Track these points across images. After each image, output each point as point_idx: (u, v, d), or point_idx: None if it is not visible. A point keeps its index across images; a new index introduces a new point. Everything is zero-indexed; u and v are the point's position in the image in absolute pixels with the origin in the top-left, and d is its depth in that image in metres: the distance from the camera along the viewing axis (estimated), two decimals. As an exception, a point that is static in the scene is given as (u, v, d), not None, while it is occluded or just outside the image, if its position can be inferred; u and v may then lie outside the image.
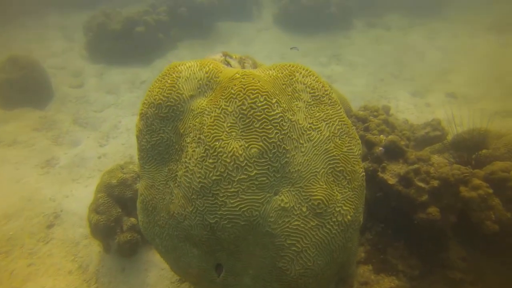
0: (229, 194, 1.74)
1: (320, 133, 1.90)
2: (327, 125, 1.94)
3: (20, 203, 4.12)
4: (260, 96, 1.82)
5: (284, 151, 1.80)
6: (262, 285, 1.87)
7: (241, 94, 1.83)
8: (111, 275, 3.23)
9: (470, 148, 3.31)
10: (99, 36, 8.61)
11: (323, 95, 2.03)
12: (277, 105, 1.83)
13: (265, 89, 1.85)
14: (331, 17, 10.35)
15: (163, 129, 2.06)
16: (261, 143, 1.76)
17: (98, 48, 8.72)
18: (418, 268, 2.87)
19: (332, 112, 2.00)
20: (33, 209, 4.01)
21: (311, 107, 1.96)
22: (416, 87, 7.07)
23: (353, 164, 1.93)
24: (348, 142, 1.97)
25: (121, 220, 3.13)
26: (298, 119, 1.88)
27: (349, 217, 1.85)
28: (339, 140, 1.94)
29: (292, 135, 1.84)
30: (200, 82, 2.05)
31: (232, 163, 1.74)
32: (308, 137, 1.88)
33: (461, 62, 8.34)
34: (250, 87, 1.84)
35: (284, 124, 1.82)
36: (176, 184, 1.97)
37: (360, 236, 3.05)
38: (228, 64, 2.29)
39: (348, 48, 9.27)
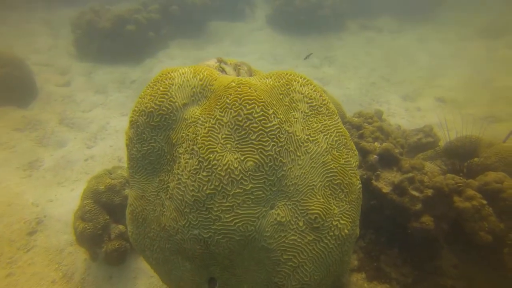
0: (223, 209, 1.68)
1: (318, 145, 1.86)
2: (325, 136, 1.90)
3: (-2, 208, 3.94)
4: (256, 106, 1.76)
5: (280, 164, 1.74)
6: (256, 300, 1.82)
7: (237, 104, 1.77)
8: (98, 284, 3.12)
9: (462, 155, 3.34)
10: (88, 33, 8.39)
11: (321, 105, 1.99)
12: (274, 116, 1.77)
13: (262, 99, 1.79)
14: (324, 18, 10.37)
15: (154, 138, 1.98)
16: (257, 156, 1.70)
17: (86, 46, 8.50)
18: (411, 275, 2.88)
19: (330, 122, 1.96)
20: (13, 215, 3.81)
21: (308, 118, 1.92)
22: (407, 91, 7.13)
23: (350, 177, 1.90)
24: (346, 154, 1.93)
25: (109, 228, 3.02)
26: (295, 131, 1.83)
27: (346, 231, 1.81)
28: (337, 152, 1.90)
29: (289, 148, 1.79)
30: (194, 90, 1.98)
31: (227, 176, 1.68)
32: (306, 149, 1.83)
33: (450, 67, 8.46)
34: (246, 97, 1.78)
35: (281, 136, 1.76)
36: (167, 196, 1.90)
37: (354, 244, 3.03)
38: (223, 70, 2.22)
39: (340, 50, 9.30)
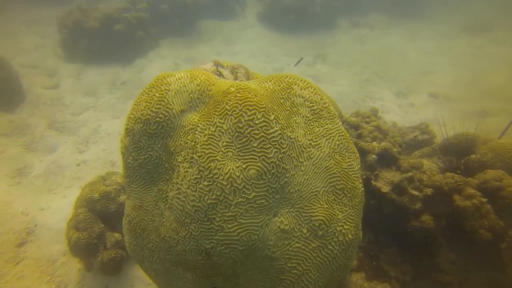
0: (226, 219, 1.63)
1: (320, 150, 1.83)
2: (327, 141, 1.87)
3: (-16, 220, 3.79)
4: (257, 112, 1.71)
5: (283, 171, 1.71)
6: (261, 310, 1.78)
7: (237, 111, 1.72)
8: (94, 294, 3.06)
9: (458, 152, 3.36)
10: (76, 33, 8.18)
11: (322, 108, 1.95)
12: (275, 122, 1.73)
13: (263, 104, 1.75)
14: (315, 16, 10.34)
15: (151, 146, 1.92)
16: (259, 164, 1.66)
17: (74, 46, 8.29)
18: (410, 273, 2.89)
19: (332, 126, 1.93)
20: (1, 225, 3.67)
21: (310, 122, 1.88)
22: (399, 87, 7.17)
23: (353, 181, 1.87)
24: (348, 158, 1.91)
25: (105, 236, 2.95)
26: (297, 136, 1.79)
27: (350, 236, 1.79)
28: (339, 156, 1.87)
29: (291, 154, 1.75)
30: (192, 95, 1.92)
31: (229, 185, 1.63)
32: (308, 154, 1.79)
33: (440, 63, 8.55)
34: (246, 103, 1.73)
35: (283, 142, 1.73)
36: (167, 206, 1.84)
37: (354, 245, 3.03)
38: (220, 74, 2.17)
39: (333, 47, 9.29)
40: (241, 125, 1.69)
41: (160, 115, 1.89)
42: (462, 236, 2.68)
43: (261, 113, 1.72)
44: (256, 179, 1.65)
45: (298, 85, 1.97)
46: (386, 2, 12.06)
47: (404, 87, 7.17)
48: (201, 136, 1.75)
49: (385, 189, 2.84)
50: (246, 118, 1.70)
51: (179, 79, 1.99)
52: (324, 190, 1.78)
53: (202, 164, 1.68)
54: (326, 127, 1.92)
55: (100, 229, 2.86)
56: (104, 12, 8.17)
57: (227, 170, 1.64)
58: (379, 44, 9.56)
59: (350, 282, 2.93)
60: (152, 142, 1.92)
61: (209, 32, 10.17)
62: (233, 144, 1.69)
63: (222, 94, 1.83)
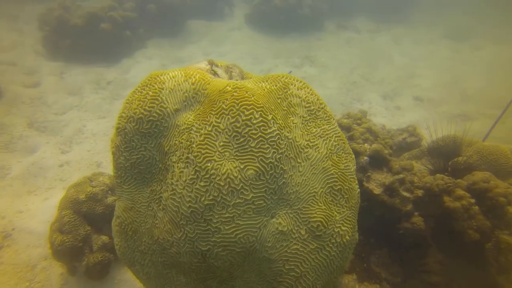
0: (223, 220, 1.59)
1: (318, 150, 1.82)
2: (324, 141, 1.86)
3: (-43, 223, 3.58)
4: (255, 112, 1.68)
5: (281, 171, 1.68)
6: (258, 313, 1.75)
7: (234, 110, 1.69)
8: (78, 300, 2.93)
9: (445, 154, 3.44)
10: (58, 31, 7.91)
11: (319, 109, 1.95)
12: (273, 122, 1.71)
13: (260, 104, 1.72)
14: (303, 18, 10.43)
15: (144, 146, 1.86)
16: (257, 164, 1.63)
17: (56, 44, 8.01)
18: (400, 275, 2.92)
19: (328, 127, 1.92)
20: (-28, 230, 3.50)
21: (307, 123, 1.87)
22: (386, 90, 7.32)
23: (350, 182, 1.87)
24: (345, 159, 1.91)
25: (91, 239, 2.83)
26: (295, 137, 1.78)
27: (347, 237, 1.78)
28: (336, 157, 1.87)
29: (289, 154, 1.73)
30: (186, 94, 1.87)
31: (226, 186, 1.59)
32: (306, 155, 1.78)
33: (424, 67, 8.80)
34: (243, 102, 1.70)
35: (281, 142, 1.70)
36: (160, 207, 1.78)
37: (346, 246, 3.04)
38: (215, 73, 2.13)
39: (321, 49, 9.39)
40: (238, 125, 1.66)
41: (154, 114, 1.83)
42: (450, 237, 2.73)
43: (259, 113, 1.69)
44: (254, 180, 1.62)
45: (295, 85, 1.96)
46: (372, 7, 12.34)
47: (390, 90, 7.32)
48: (197, 135, 1.71)
49: (377, 190, 2.87)
50: (244, 118, 1.67)
51: (173, 77, 1.94)
52: (322, 191, 1.76)
53: (199, 164, 1.63)
54: (323, 127, 1.92)
55: (86, 232, 2.74)
56: (89, 10, 7.95)
57: (224, 170, 1.60)
58: (366, 47, 9.75)
59: (341, 284, 2.93)
60: (145, 141, 1.85)
61: (197, 32, 10.08)
62: (231, 144, 1.65)
63: (218, 93, 1.79)
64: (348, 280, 2.96)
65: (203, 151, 1.65)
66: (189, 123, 1.78)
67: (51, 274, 3.10)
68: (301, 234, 1.69)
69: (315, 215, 1.71)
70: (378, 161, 3.01)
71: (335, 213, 1.77)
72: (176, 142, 1.78)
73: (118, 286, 3.02)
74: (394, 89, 7.38)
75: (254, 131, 1.65)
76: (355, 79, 7.67)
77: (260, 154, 1.64)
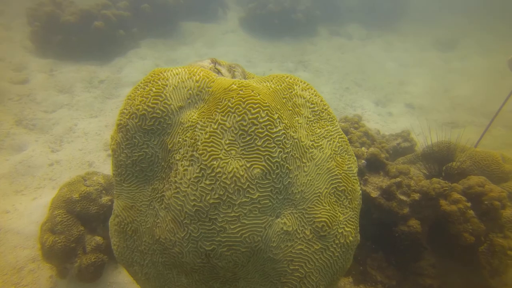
0: (229, 219, 1.57)
1: (322, 151, 1.82)
2: (328, 142, 1.87)
3: None
4: (261, 111, 1.68)
5: (287, 171, 1.68)
6: (260, 315, 1.73)
7: (241, 108, 1.68)
8: (68, 303, 2.83)
9: (438, 159, 3.50)
10: (49, 27, 7.73)
11: (323, 110, 1.96)
12: (279, 121, 1.71)
13: (266, 103, 1.71)
14: (297, 23, 10.54)
15: (147, 143, 1.82)
16: (264, 163, 1.62)
17: (46, 40, 7.82)
18: (395, 277, 2.95)
19: (332, 128, 1.93)
20: (-47, 231, 3.33)
21: (312, 123, 1.87)
22: (378, 96, 7.44)
23: (353, 183, 1.88)
24: (348, 160, 1.92)
25: (84, 240, 2.75)
26: (300, 137, 1.78)
27: (350, 238, 1.79)
28: (340, 158, 1.87)
29: (294, 154, 1.73)
30: (190, 92, 1.85)
31: (232, 185, 1.57)
32: (311, 155, 1.78)
33: (414, 74, 9.01)
34: (250, 101, 1.69)
35: (287, 142, 1.70)
36: (162, 206, 1.75)
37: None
38: (219, 72, 2.11)
39: (314, 54, 9.49)
40: (245, 123, 1.65)
41: (157, 111, 1.80)
42: (444, 240, 2.78)
43: (265, 112, 1.69)
44: (260, 179, 1.61)
45: (299, 86, 1.97)
46: (363, 15, 12.60)
47: (382, 96, 7.44)
48: (202, 133, 1.69)
49: (374, 194, 2.89)
50: (250, 116, 1.66)
51: (177, 74, 1.91)
52: (327, 192, 1.77)
53: (204, 162, 1.61)
54: (326, 128, 1.92)
55: (79, 232, 2.66)
56: (82, 8, 7.81)
57: (230, 168, 1.59)
58: (358, 53, 9.91)
59: (338, 286, 2.94)
60: (147, 138, 1.82)
61: (191, 34, 10.04)
62: (237, 142, 1.64)
63: (224, 91, 1.78)
64: (344, 283, 2.97)
65: (208, 149, 1.63)
66: (193, 120, 1.76)
67: (39, 276, 2.98)
68: (306, 234, 1.69)
69: (320, 215, 1.71)
70: (375, 165, 3.04)
71: (339, 213, 1.77)
72: (180, 139, 1.76)
73: (110, 288, 2.94)
74: (386, 95, 7.51)
75: (260, 130, 1.65)
76: (348, 85, 7.78)
77: (267, 153, 1.63)
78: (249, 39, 10.35)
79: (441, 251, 2.89)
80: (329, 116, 1.97)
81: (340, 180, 1.81)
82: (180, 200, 1.65)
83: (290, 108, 1.85)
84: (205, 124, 1.71)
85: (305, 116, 1.88)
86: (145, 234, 1.83)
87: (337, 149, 1.88)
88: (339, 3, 12.66)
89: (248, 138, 1.64)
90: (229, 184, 1.57)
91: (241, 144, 1.64)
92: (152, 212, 1.80)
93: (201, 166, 1.62)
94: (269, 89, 1.86)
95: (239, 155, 1.62)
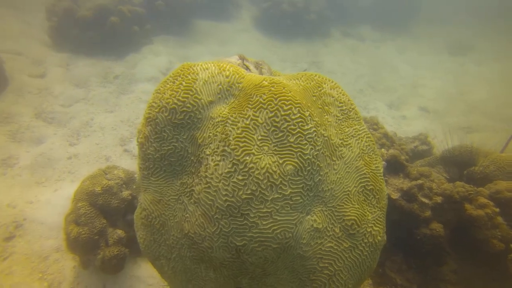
0: (261, 215, 1.57)
1: (351, 150, 1.82)
2: (357, 141, 1.86)
3: (-32, 211, 3.50)
4: (293, 108, 1.68)
5: (318, 168, 1.68)
6: (287, 311, 1.73)
7: (273, 105, 1.68)
8: (89, 293, 2.87)
9: (458, 163, 3.46)
10: (66, 22, 7.85)
11: (350, 109, 1.95)
12: (310, 119, 1.70)
13: (298, 100, 1.71)
14: (310, 24, 10.51)
15: (176, 137, 1.84)
16: (296, 160, 1.62)
17: (63, 35, 7.95)
18: (416, 281, 2.91)
19: (359, 127, 1.93)
20: (-17, 218, 3.42)
21: (340, 122, 1.87)
22: (391, 98, 7.38)
23: (380, 183, 1.87)
24: (375, 160, 1.91)
25: (106, 233, 2.78)
26: (330, 135, 1.77)
27: (379, 237, 1.78)
28: (368, 157, 1.87)
29: (325, 152, 1.73)
30: (220, 87, 1.86)
31: (265, 180, 1.58)
32: (340, 154, 1.78)
33: (427, 77, 8.91)
34: (282, 97, 1.69)
35: (318, 139, 1.70)
36: (192, 201, 1.76)
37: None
38: (247, 68, 2.12)
39: (327, 56, 9.46)
40: (277, 119, 1.65)
41: (188, 105, 1.82)
42: (467, 245, 2.73)
43: (297, 109, 1.69)
44: (292, 175, 1.61)
45: (328, 84, 1.96)
46: (376, 17, 12.49)
47: (395, 99, 7.38)
48: (233, 128, 1.69)
49: (394, 195, 2.87)
50: (283, 113, 1.66)
51: (207, 69, 1.92)
52: (355, 190, 1.76)
53: (237, 158, 1.62)
54: (354, 127, 1.92)
55: (102, 225, 2.70)
56: (97, 3, 7.91)
57: (263, 164, 1.59)
58: (371, 56, 9.84)
59: None
60: (177, 132, 1.83)
61: (204, 32, 10.09)
62: (269, 138, 1.64)
63: (255, 87, 1.78)
64: (363, 285, 2.94)
65: (241, 144, 1.63)
66: (224, 115, 1.77)
67: (64, 266, 3.04)
68: (335, 232, 1.68)
69: (349, 213, 1.70)
70: (394, 166, 3.01)
71: (368, 212, 1.76)
72: (210, 134, 1.77)
73: (130, 282, 2.97)
74: (399, 98, 7.45)
75: (293, 127, 1.65)
76: (361, 87, 7.73)
77: (299, 149, 1.63)
78: (262, 38, 10.35)
79: (463, 256, 2.85)
80: (356, 116, 1.97)
81: (369, 179, 1.80)
82: (211, 195, 1.66)
83: (320, 106, 1.85)
84: (236, 120, 1.72)
85: (334, 115, 1.87)
86: (173, 228, 1.84)
87: (365, 148, 1.87)
88: (352, 5, 12.59)
89: (280, 134, 1.64)
90: (262, 180, 1.58)
91: (274, 140, 1.64)
92: (181, 207, 1.82)
93: (234, 161, 1.62)
94: (299, 87, 1.86)
95: (271, 151, 1.63)
